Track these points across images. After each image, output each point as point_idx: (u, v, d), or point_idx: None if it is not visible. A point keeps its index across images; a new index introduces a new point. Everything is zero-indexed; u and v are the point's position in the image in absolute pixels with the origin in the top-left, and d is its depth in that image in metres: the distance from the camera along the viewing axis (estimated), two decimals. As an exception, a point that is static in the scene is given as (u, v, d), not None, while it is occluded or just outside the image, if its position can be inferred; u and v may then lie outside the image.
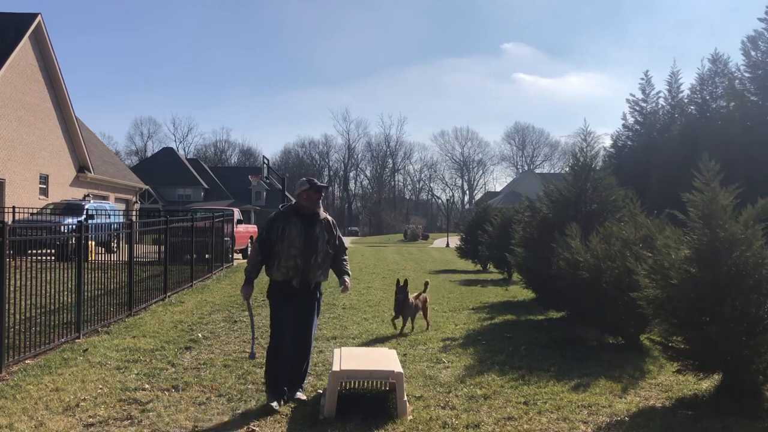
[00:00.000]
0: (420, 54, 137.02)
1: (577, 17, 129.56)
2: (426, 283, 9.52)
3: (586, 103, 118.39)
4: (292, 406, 5.22)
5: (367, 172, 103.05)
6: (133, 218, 17.59)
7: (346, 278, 5.43)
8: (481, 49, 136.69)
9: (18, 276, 6.55)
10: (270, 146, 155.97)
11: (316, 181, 5.35)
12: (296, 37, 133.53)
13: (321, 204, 5.34)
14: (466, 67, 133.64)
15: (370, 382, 5.14)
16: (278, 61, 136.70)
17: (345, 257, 5.52)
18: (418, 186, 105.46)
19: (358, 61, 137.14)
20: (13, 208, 21.03)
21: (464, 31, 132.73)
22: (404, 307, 8.38)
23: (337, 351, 5.80)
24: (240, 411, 5.07)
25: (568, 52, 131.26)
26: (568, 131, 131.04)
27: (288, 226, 5.16)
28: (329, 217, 5.39)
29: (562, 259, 8.18)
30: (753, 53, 15.64)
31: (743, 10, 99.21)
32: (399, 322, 8.48)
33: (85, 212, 19.02)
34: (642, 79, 19.52)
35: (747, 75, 15.94)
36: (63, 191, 26.82)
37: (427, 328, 8.82)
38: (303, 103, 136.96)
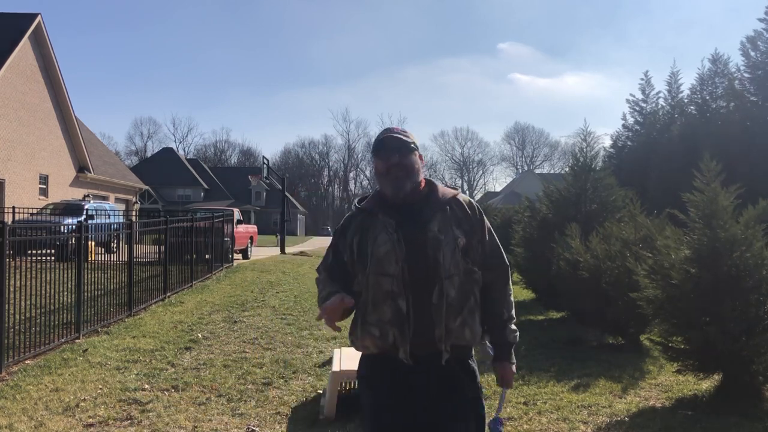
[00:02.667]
0: (419, 54, 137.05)
1: (575, 17, 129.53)
2: None
3: (585, 103, 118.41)
4: (292, 405, 5.22)
5: (367, 173, 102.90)
6: (133, 218, 17.60)
7: (505, 357, 2.55)
8: (480, 49, 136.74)
9: (18, 276, 6.55)
10: (270, 146, 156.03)
11: (394, 129, 2.55)
12: (296, 37, 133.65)
13: (419, 176, 2.52)
14: (464, 67, 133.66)
15: (370, 383, 5.14)
16: (278, 61, 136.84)
17: (508, 286, 2.59)
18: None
19: (357, 61, 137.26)
20: (13, 208, 21.02)
21: (462, 31, 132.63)
22: None
23: (337, 351, 5.80)
24: (240, 411, 5.08)
25: (566, 52, 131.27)
26: (567, 131, 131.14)
27: (370, 232, 2.47)
28: (462, 199, 2.55)
29: (562, 259, 8.18)
30: (753, 54, 15.63)
31: (743, 10, 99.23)
32: None
33: (84, 212, 19.02)
34: (642, 79, 19.51)
35: (747, 75, 15.93)
36: (63, 191, 26.81)
37: None
38: (303, 103, 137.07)
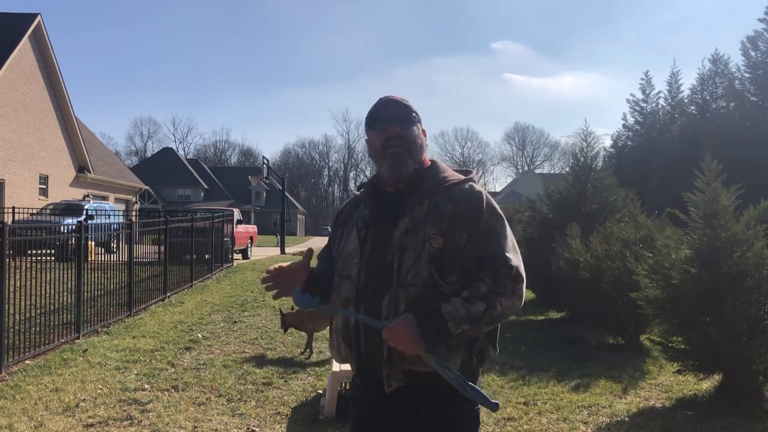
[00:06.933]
0: (412, 53, 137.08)
1: (568, 15, 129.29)
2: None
3: (582, 102, 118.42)
4: (292, 405, 5.22)
5: (367, 173, 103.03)
6: (133, 218, 17.60)
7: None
8: (474, 49, 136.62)
9: (18, 276, 6.54)
10: (270, 146, 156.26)
11: (392, 96, 2.11)
12: (297, 37, 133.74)
13: (422, 154, 2.08)
14: (458, 67, 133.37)
15: (370, 383, 5.14)
16: (277, 61, 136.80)
17: (498, 294, 1.91)
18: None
19: (357, 61, 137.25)
20: (13, 208, 21.00)
21: (454, 30, 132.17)
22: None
23: (337, 351, 5.79)
24: (240, 411, 5.07)
25: (560, 51, 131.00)
26: (564, 131, 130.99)
27: (348, 225, 2.15)
28: (463, 188, 2.03)
29: (563, 259, 8.18)
30: (753, 53, 15.62)
31: (743, 10, 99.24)
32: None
33: (84, 212, 19.01)
34: (642, 79, 19.47)
35: (747, 75, 15.93)
36: (63, 191, 26.80)
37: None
38: (303, 104, 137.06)
